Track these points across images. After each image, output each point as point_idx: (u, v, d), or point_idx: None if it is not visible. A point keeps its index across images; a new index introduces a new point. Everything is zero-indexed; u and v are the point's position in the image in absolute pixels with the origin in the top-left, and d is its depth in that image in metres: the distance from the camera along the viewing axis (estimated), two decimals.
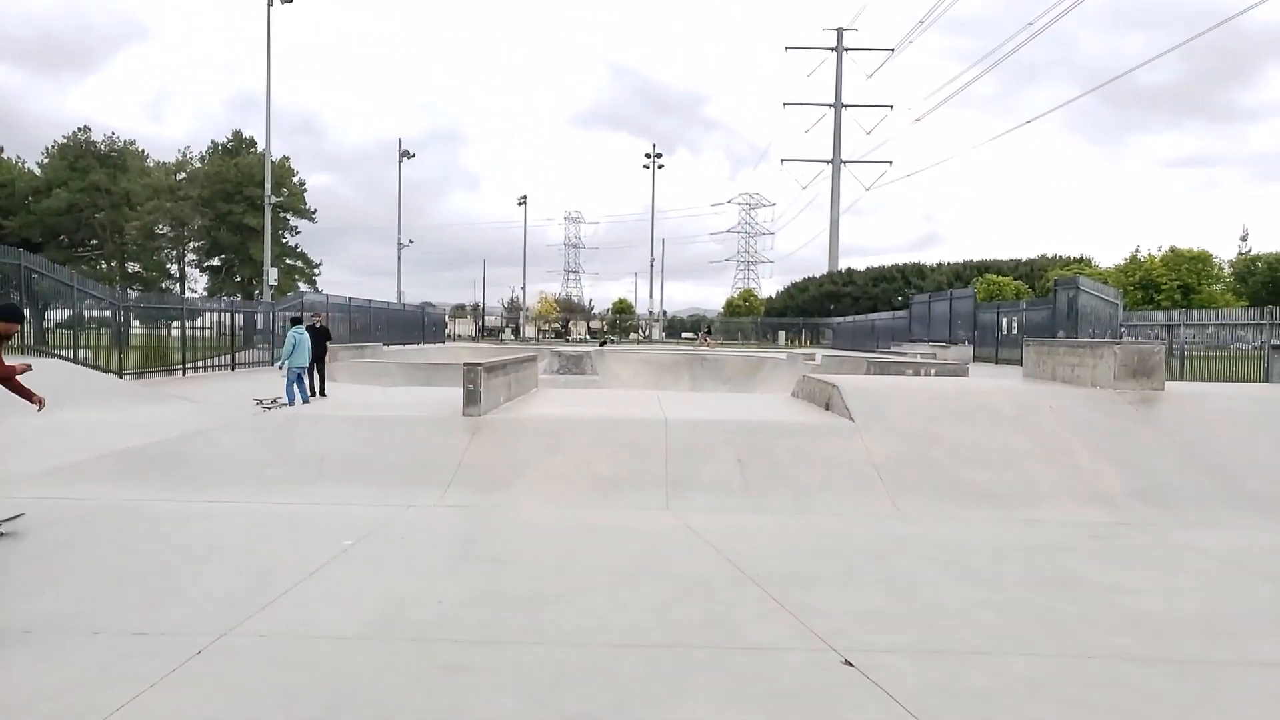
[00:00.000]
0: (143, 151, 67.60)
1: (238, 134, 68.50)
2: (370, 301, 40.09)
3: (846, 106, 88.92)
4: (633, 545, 7.34)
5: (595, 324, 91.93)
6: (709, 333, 66.66)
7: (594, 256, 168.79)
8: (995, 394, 11.91)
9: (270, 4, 35.90)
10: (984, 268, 64.65)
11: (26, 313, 17.68)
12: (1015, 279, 53.88)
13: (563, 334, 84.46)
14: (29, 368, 7.54)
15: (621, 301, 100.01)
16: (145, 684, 4.26)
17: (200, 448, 10.32)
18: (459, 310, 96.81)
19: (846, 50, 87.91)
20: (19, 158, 64.36)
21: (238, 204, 61.90)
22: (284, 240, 65.22)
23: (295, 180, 66.54)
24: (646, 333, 79.96)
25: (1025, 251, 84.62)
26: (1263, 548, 7.62)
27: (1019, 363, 18.34)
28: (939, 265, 73.63)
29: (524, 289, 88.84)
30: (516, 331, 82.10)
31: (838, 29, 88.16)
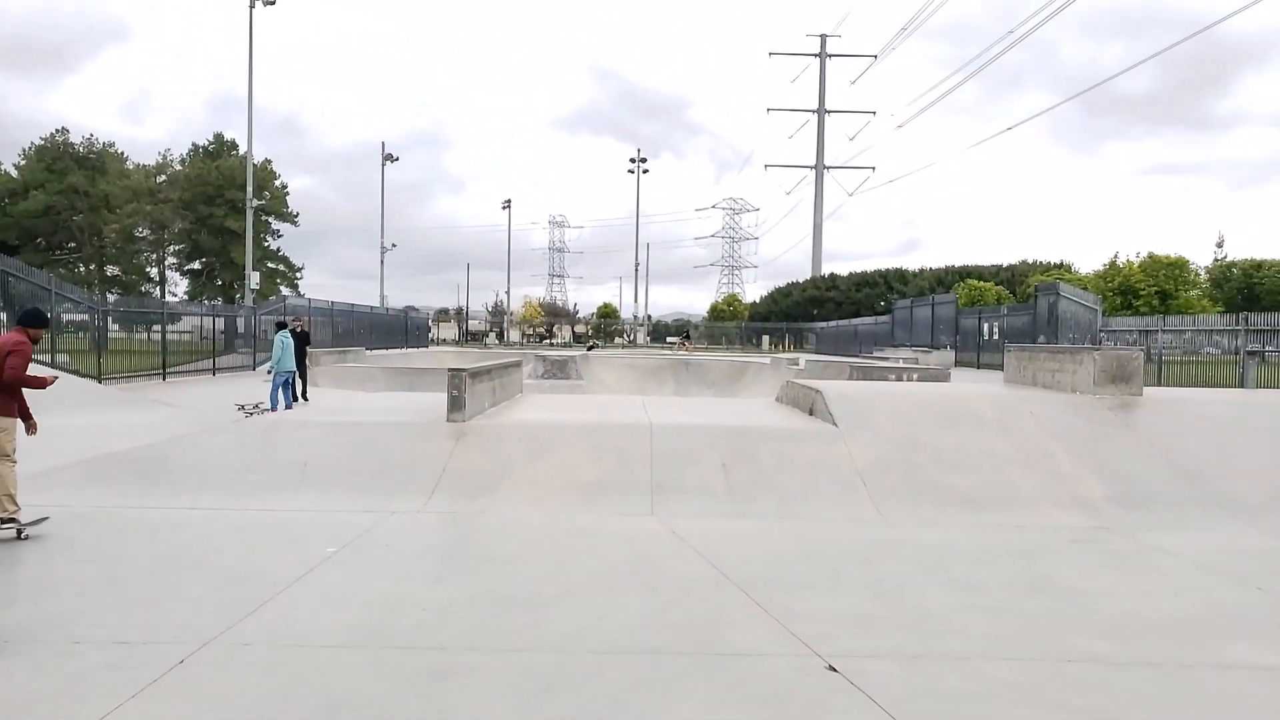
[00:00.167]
0: (122, 154, 67.14)
1: (219, 136, 68.12)
2: (353, 305, 39.90)
3: (830, 112, 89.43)
4: (618, 550, 7.35)
5: (580, 328, 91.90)
6: (687, 337, 66.98)
7: (578, 260, 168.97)
8: (977, 399, 12.01)
9: (252, 6, 35.73)
10: (965, 273, 65.21)
11: (3, 317, 17.51)
12: (996, 284, 54.35)
13: (547, 338, 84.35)
14: (57, 378, 7.55)
15: (606, 306, 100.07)
16: (126, 695, 4.23)
17: (181, 453, 10.24)
18: (443, 314, 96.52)
19: (830, 57, 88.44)
20: None
21: (219, 207, 61.49)
22: (266, 244, 64.81)
23: (277, 183, 66.19)
24: (631, 337, 80.00)
25: (1006, 257, 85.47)
26: (1237, 551, 7.73)
27: (1000, 368, 18.50)
28: (921, 270, 74.20)
29: (508, 293, 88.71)
30: (500, 336, 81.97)
31: (821, 35, 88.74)
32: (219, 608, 5.55)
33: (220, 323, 28.26)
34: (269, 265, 63.76)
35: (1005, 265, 67.92)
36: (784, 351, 55.11)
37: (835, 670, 4.72)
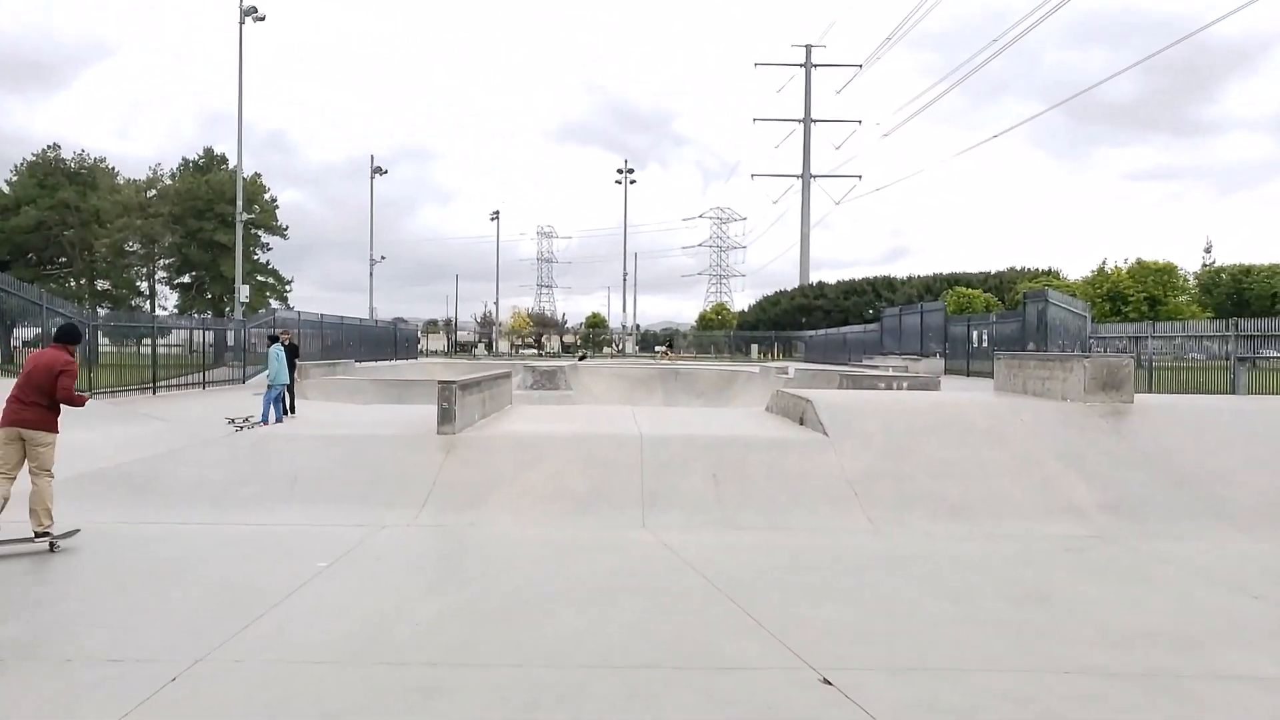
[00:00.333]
0: (113, 169, 66.88)
1: (209, 151, 67.99)
2: (342, 318, 39.78)
3: (816, 122, 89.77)
4: (609, 562, 7.33)
5: (568, 338, 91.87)
6: (670, 346, 67.20)
7: (567, 271, 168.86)
8: (967, 408, 12.04)
9: (242, 22, 35.73)
10: (953, 280, 65.38)
11: None
12: (985, 291, 54.51)
13: (536, 348, 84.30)
14: (90, 396, 7.60)
15: (595, 316, 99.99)
16: (117, 714, 4.19)
17: (171, 468, 10.18)
18: (431, 325, 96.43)
19: (815, 67, 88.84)
20: None
21: (209, 221, 61.28)
22: (255, 257, 64.61)
23: (267, 197, 66.05)
24: (620, 346, 80.00)
25: (994, 264, 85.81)
26: (1229, 559, 7.75)
27: (990, 375, 18.55)
28: (909, 278, 74.38)
29: (497, 304, 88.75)
30: (489, 346, 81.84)
31: (806, 46, 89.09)
32: (210, 624, 5.51)
33: (210, 336, 28.14)
34: (259, 278, 63.51)
35: (994, 272, 68.16)
36: (773, 360, 55.19)
37: (829, 683, 4.71)
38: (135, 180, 67.08)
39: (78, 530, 7.79)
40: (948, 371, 28.84)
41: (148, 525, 8.38)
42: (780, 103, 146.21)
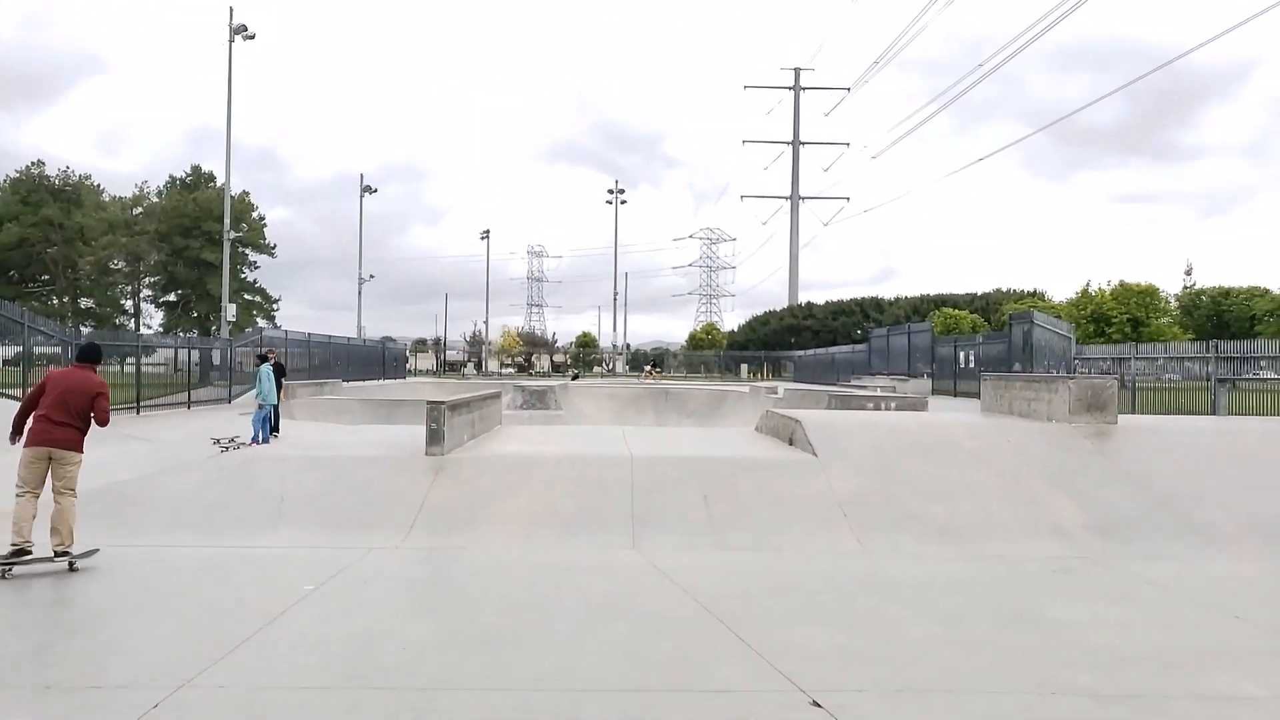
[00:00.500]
0: (98, 186, 66.83)
1: (196, 168, 67.98)
2: (330, 337, 39.63)
3: (804, 144, 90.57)
4: (600, 585, 7.32)
5: (559, 358, 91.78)
6: (655, 366, 67.32)
7: (557, 290, 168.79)
8: (955, 429, 12.11)
9: (232, 40, 35.80)
10: (940, 301, 65.88)
11: None
12: (971, 312, 54.96)
13: (526, 368, 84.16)
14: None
15: (585, 335, 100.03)
16: None
17: (156, 489, 10.10)
18: (420, 345, 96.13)
19: (804, 89, 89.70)
20: None
21: (195, 239, 61.17)
22: (243, 275, 64.51)
23: (255, 215, 66.02)
24: (610, 366, 79.99)
25: (980, 285, 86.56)
26: (1213, 579, 7.80)
27: (977, 395, 18.64)
28: (897, 299, 74.92)
29: (486, 323, 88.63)
30: (479, 366, 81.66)
31: (795, 69, 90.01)
32: (194, 648, 5.46)
33: (195, 355, 27.98)
34: (246, 297, 63.37)
35: (980, 293, 68.77)
36: (762, 380, 55.29)
37: (819, 705, 4.70)
38: (121, 197, 67.00)
39: (96, 550, 7.75)
40: (935, 392, 28.98)
41: (131, 548, 8.30)
42: (769, 125, 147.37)
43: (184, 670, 5.06)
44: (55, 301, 63.25)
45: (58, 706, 4.58)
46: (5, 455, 9.70)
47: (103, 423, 7.83)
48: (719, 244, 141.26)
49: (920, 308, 66.83)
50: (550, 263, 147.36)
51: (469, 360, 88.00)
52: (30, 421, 7.59)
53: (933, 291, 72.87)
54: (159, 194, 66.51)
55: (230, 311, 36.47)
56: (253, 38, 36.07)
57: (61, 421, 7.51)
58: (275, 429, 16.59)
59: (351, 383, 35.08)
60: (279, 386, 17.04)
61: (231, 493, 9.95)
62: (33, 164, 63.77)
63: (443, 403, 11.18)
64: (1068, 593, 7.32)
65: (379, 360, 47.08)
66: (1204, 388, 19.73)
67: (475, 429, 12.87)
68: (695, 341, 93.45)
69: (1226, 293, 60.06)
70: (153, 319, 68.09)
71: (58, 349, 22.28)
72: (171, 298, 66.22)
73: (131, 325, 65.08)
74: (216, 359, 28.47)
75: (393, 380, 43.29)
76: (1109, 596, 7.23)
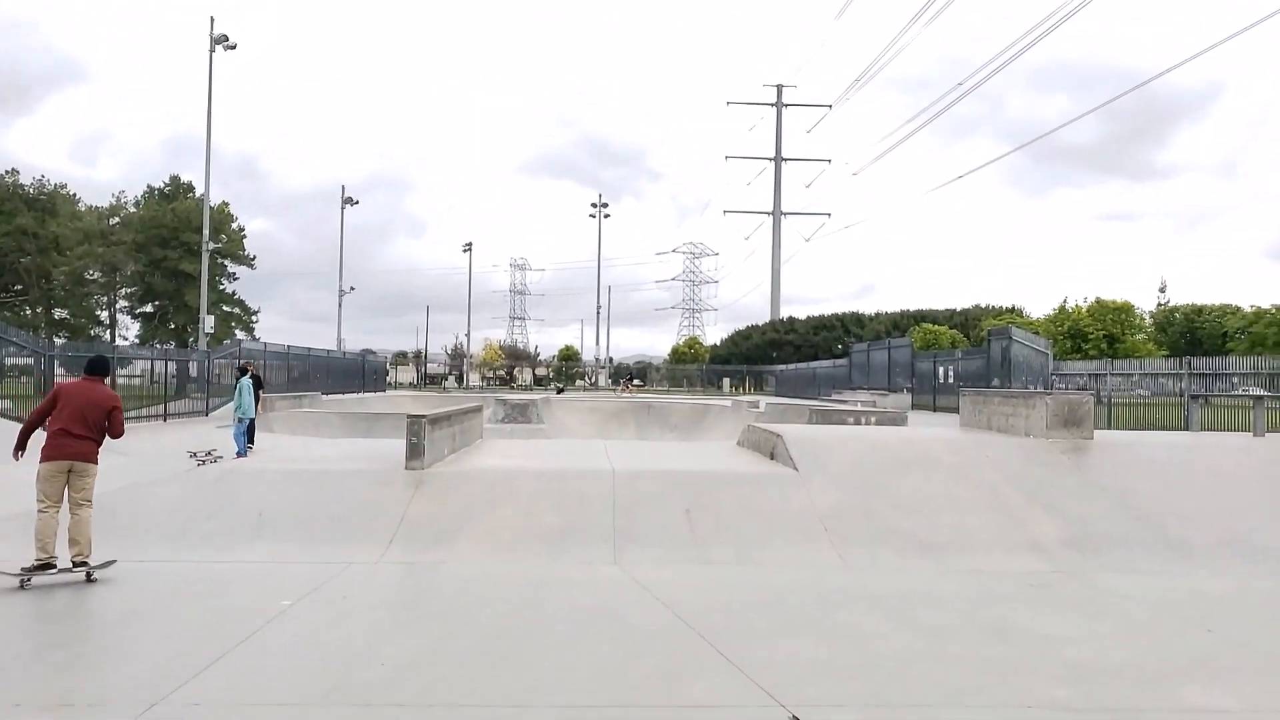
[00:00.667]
0: (74, 195, 66.19)
1: (175, 178, 67.53)
2: (309, 349, 39.42)
3: (786, 160, 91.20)
4: (580, 600, 7.30)
5: (541, 371, 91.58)
6: (631, 379, 67.41)
7: (540, 303, 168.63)
8: (934, 444, 12.19)
9: (212, 50, 35.66)
10: (920, 317, 66.37)
11: None
12: (950, 328, 55.40)
13: (508, 381, 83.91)
14: None
15: (568, 348, 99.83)
16: None
17: (130, 503, 9.97)
18: (401, 357, 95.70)
19: (786, 106, 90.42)
20: None
21: (174, 249, 60.67)
22: (221, 287, 63.99)
23: (234, 226, 65.58)
24: (593, 379, 79.93)
25: (960, 301, 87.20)
26: (1187, 593, 7.89)
27: (956, 410, 18.79)
28: (877, 314, 75.41)
29: (468, 335, 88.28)
30: (460, 379, 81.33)
31: (778, 85, 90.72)
32: (169, 665, 5.40)
33: (172, 367, 27.71)
34: (224, 308, 62.91)
35: (959, 309, 69.35)
36: (744, 394, 55.43)
37: None
38: (97, 207, 66.39)
39: (114, 561, 7.84)
40: (914, 406, 29.17)
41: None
42: (752, 141, 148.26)
43: (158, 688, 5.00)
44: (29, 312, 62.48)
45: None
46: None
47: (118, 435, 8.01)
48: (702, 258, 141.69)
49: (900, 323, 67.32)
50: (533, 275, 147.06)
51: (450, 373, 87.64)
52: (44, 436, 7.72)
53: (913, 307, 73.47)
54: (137, 204, 65.95)
55: (208, 323, 36.19)
56: (234, 48, 35.95)
57: (81, 435, 7.69)
58: (250, 442, 16.49)
59: (331, 395, 34.85)
60: (257, 399, 16.96)
61: (208, 507, 9.85)
62: (7, 172, 63.09)
63: (423, 416, 11.13)
64: (1045, 607, 7.38)
65: (359, 373, 46.83)
66: (1178, 403, 19.99)
67: (456, 443, 12.82)
68: (678, 355, 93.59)
69: (1199, 310, 60.96)
70: (129, 330, 67.42)
71: (30, 360, 21.99)
72: (148, 309, 65.60)
73: (107, 337, 64.39)
74: (194, 371, 28.22)
75: (372, 393, 43.04)
76: (1085, 610, 7.29)
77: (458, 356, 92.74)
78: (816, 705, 4.95)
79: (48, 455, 7.62)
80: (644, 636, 6.27)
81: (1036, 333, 33.82)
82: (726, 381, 69.20)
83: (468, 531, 9.31)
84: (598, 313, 77.46)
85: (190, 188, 65.84)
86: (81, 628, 6.30)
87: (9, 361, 22.01)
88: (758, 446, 13.14)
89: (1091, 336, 41.49)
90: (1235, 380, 19.93)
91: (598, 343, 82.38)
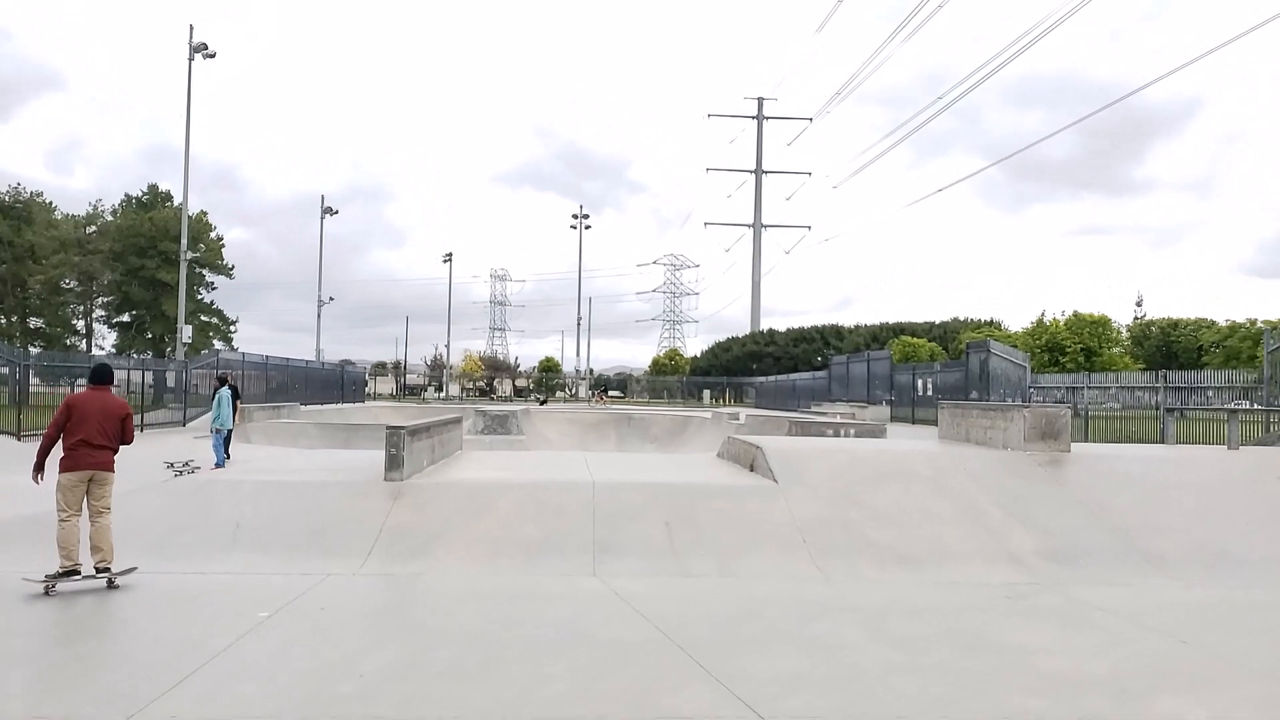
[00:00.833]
0: (50, 204, 65.37)
1: (153, 187, 66.76)
2: (288, 360, 39.13)
3: (767, 173, 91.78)
4: (559, 612, 7.28)
5: (521, 382, 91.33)
6: (606, 390, 67.40)
7: (520, 314, 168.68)
8: (913, 456, 12.26)
9: (191, 58, 35.47)
10: (899, 329, 66.82)
11: None
12: (929, 341, 55.79)
13: (488, 392, 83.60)
14: None
15: (549, 360, 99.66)
16: None
17: None
18: (380, 368, 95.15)
19: (767, 119, 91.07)
20: None
21: (151, 259, 60.02)
22: (199, 296, 63.37)
23: (213, 235, 64.99)
24: (573, 391, 79.79)
25: (938, 314, 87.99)
26: (1162, 605, 7.98)
27: (934, 423, 18.92)
28: (856, 327, 75.83)
29: (448, 346, 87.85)
30: (440, 390, 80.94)
31: (758, 98, 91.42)
32: (142, 679, 5.34)
33: (149, 377, 27.45)
34: (202, 318, 62.25)
35: (938, 322, 69.85)
36: (725, 405, 55.56)
37: None
38: (74, 215, 65.64)
39: (135, 568, 7.99)
40: (893, 419, 29.33)
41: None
42: (733, 153, 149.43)
43: (130, 702, 4.95)
44: (3, 321, 61.65)
45: None
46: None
47: (130, 442, 8.26)
48: (682, 270, 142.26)
49: (879, 336, 67.71)
50: (514, 287, 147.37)
51: (429, 384, 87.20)
52: (60, 449, 7.86)
53: (892, 320, 73.99)
54: (114, 212, 65.22)
55: (186, 333, 35.82)
56: (213, 56, 35.77)
57: (101, 445, 7.92)
58: (227, 453, 16.39)
59: (309, 406, 34.60)
60: (234, 410, 16.87)
61: (186, 518, 9.76)
62: None
63: (402, 428, 11.09)
64: (1021, 618, 7.43)
65: (338, 384, 46.53)
66: (1154, 416, 20.23)
67: (435, 454, 12.77)
68: (658, 367, 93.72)
69: (1175, 324, 61.73)
70: (105, 340, 66.56)
71: (4, 369, 21.70)
72: (125, 318, 64.78)
73: (83, 346, 63.60)
74: (171, 381, 27.95)
75: (351, 404, 42.78)
76: (1062, 622, 7.35)
77: (437, 367, 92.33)
78: (795, 717, 4.96)
79: (69, 466, 7.81)
80: (623, 648, 6.26)
81: (1015, 346, 34.14)
82: (707, 393, 69.33)
83: (447, 543, 9.27)
84: (578, 324, 77.38)
85: (168, 196, 65.25)
86: (58, 640, 6.22)
87: None
88: (738, 458, 13.17)
89: (1069, 350, 41.91)
90: (1210, 394, 20.18)
91: (578, 354, 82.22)
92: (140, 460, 16.06)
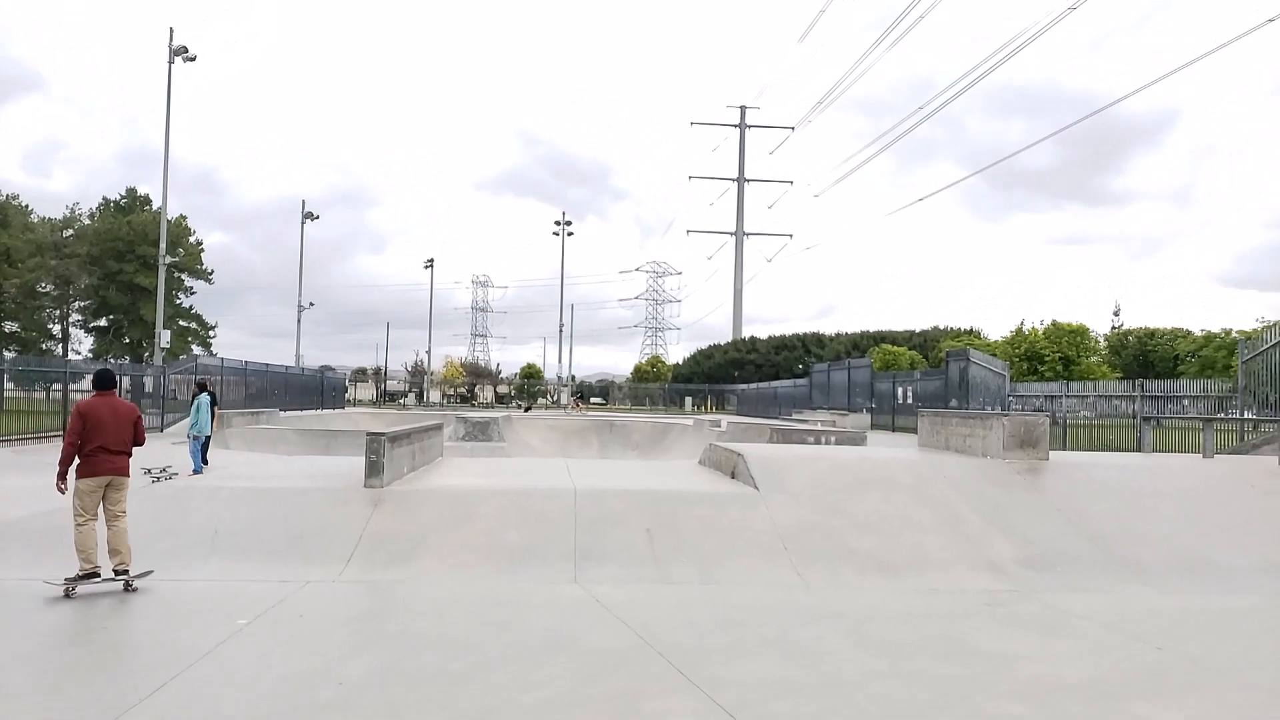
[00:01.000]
0: (26, 206, 64.63)
1: (132, 190, 66.11)
2: (267, 365, 38.85)
3: (749, 181, 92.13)
4: (540, 620, 7.26)
5: (502, 388, 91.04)
6: (582, 396, 67.35)
7: (502, 320, 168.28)
8: (893, 464, 12.33)
9: (172, 61, 35.20)
10: (880, 338, 67.17)
11: None
12: (909, 349, 56.05)
13: (469, 399, 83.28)
14: None
15: (530, 366, 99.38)
16: None
17: None
18: (360, 374, 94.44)
19: (749, 127, 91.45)
20: None
21: (129, 263, 59.42)
22: (178, 301, 62.82)
23: (192, 240, 64.46)
24: (555, 398, 79.63)
25: (919, 322, 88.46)
26: (1139, 612, 8.05)
27: (915, 430, 19.02)
28: (837, 335, 76.18)
29: (429, 352, 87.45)
30: (420, 396, 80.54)
31: (741, 107, 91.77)
32: (118, 687, 5.27)
33: (126, 382, 27.14)
34: (181, 323, 61.71)
35: (918, 331, 70.22)
36: (706, 412, 55.57)
37: None
38: (51, 219, 64.93)
39: (151, 571, 8.04)
40: (874, 426, 29.50)
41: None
42: (715, 161, 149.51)
43: (106, 711, 4.89)
44: None
45: None
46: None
47: (142, 443, 8.42)
48: (665, 277, 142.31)
49: (860, 344, 68.03)
50: (495, 293, 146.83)
51: (410, 390, 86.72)
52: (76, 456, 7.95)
53: (872, 328, 74.31)
54: (91, 216, 64.55)
55: (164, 338, 35.47)
56: (193, 59, 35.52)
57: (118, 450, 8.09)
58: (205, 459, 16.27)
59: (288, 412, 34.35)
60: (212, 416, 16.76)
61: (163, 524, 9.64)
62: None
63: (383, 434, 11.03)
64: (1001, 625, 7.48)
65: (317, 389, 46.25)
66: (1131, 425, 20.44)
67: (416, 461, 12.71)
68: (640, 374, 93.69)
69: (1152, 334, 62.42)
70: (82, 345, 65.79)
71: None
72: (102, 323, 64.07)
73: (59, 351, 62.85)
74: (149, 386, 27.67)
75: (331, 410, 42.52)
76: (1041, 629, 7.41)
77: (418, 374, 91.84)
78: None
79: (88, 472, 7.91)
80: (603, 656, 6.25)
81: (994, 354, 34.41)
82: (689, 400, 69.38)
83: (427, 550, 9.22)
84: (560, 330, 77.29)
85: (147, 200, 64.64)
86: (34, 648, 6.13)
87: None
88: (719, 465, 13.20)
89: (1048, 358, 42.24)
90: (1186, 403, 20.42)
91: (560, 360, 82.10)
92: None
